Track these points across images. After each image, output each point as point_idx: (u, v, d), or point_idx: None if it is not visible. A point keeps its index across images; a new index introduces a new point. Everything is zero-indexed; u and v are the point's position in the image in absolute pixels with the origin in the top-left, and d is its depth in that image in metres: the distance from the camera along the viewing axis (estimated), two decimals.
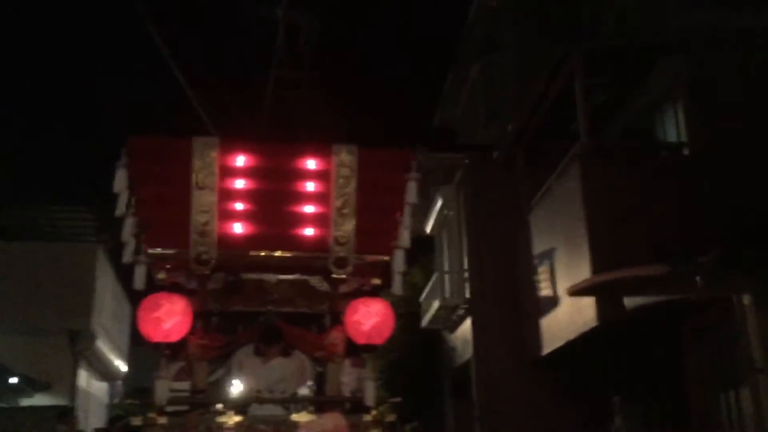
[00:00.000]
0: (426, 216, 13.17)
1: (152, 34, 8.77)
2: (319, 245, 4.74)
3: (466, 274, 11.72)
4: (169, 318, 4.54)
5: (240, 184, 4.69)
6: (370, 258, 4.82)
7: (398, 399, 5.17)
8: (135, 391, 18.18)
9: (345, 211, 4.69)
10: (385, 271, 4.95)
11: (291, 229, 4.74)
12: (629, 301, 7.28)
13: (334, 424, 3.34)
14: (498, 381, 10.79)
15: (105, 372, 17.43)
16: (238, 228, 4.68)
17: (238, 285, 4.96)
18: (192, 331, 4.68)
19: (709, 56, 8.22)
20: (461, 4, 13.09)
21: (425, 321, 13.49)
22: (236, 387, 5.07)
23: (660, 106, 9.39)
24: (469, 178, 11.89)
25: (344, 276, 4.79)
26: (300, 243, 4.75)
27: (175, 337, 4.59)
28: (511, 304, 10.93)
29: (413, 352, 13.86)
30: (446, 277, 12.53)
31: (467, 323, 11.76)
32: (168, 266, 4.75)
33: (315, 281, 5.02)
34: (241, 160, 4.70)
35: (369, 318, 4.75)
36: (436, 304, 12.58)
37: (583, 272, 7.99)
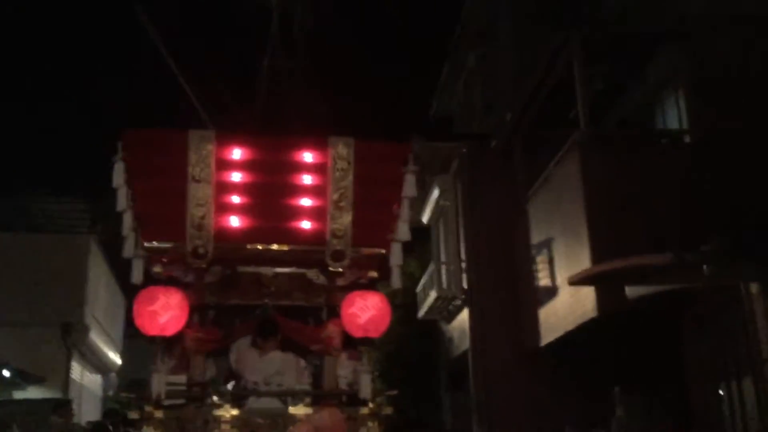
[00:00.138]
0: (422, 206, 13.03)
1: (145, 25, 8.60)
2: (315, 238, 4.74)
3: (464, 265, 11.61)
4: (166, 311, 4.55)
5: (236, 177, 4.69)
6: (367, 251, 4.84)
7: (394, 391, 5.08)
8: (130, 384, 18.06)
9: (342, 204, 4.70)
10: (381, 263, 4.96)
11: (288, 222, 4.75)
12: (629, 291, 7.16)
13: (331, 417, 3.26)
14: (496, 372, 10.72)
15: (99, 364, 17.30)
16: (234, 221, 4.69)
17: (234, 278, 4.98)
18: (188, 325, 4.69)
19: (710, 43, 8.10)
20: None
21: (422, 312, 13.41)
22: (234, 380, 5.07)
23: (660, 94, 9.28)
24: (466, 168, 11.78)
25: (341, 269, 4.80)
26: (297, 236, 4.77)
27: (171, 331, 4.60)
28: (509, 294, 10.85)
29: (409, 343, 13.80)
30: (443, 267, 12.42)
31: (464, 314, 11.67)
32: (164, 260, 4.76)
33: (312, 274, 5.02)
34: (237, 153, 4.70)
35: (365, 311, 4.77)
36: (432, 295, 12.49)
37: (582, 262, 7.90)
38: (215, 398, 4.73)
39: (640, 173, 8.05)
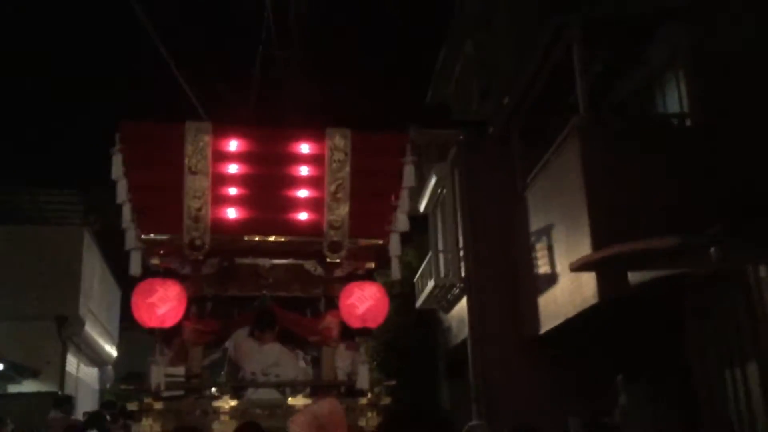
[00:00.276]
0: (419, 194, 12.89)
1: (140, 17, 8.46)
2: (313, 229, 4.77)
3: (462, 253, 11.47)
4: (164, 303, 4.56)
5: (233, 168, 4.71)
6: (365, 242, 4.87)
7: (393, 382, 5.23)
8: (127, 377, 17.98)
9: (339, 195, 4.72)
10: (379, 254, 5.01)
11: (285, 213, 4.78)
12: (631, 277, 7.03)
13: (330, 407, 3.17)
14: (495, 361, 10.64)
15: (95, 357, 17.21)
16: (231, 213, 4.71)
17: (232, 270, 5.01)
18: (186, 317, 4.71)
19: (712, 23, 7.93)
20: None
21: (420, 301, 13.31)
22: (232, 370, 5.12)
23: (660, 77, 9.12)
24: (464, 155, 11.65)
25: (338, 260, 4.83)
26: (294, 227, 4.79)
27: (169, 323, 4.62)
28: (508, 282, 10.76)
29: (407, 332, 13.68)
30: (441, 256, 12.29)
31: (463, 303, 11.58)
32: (162, 252, 4.79)
33: (309, 265, 5.05)
34: (234, 145, 4.72)
35: (363, 301, 4.80)
36: (430, 284, 12.37)
37: (582, 248, 7.78)
38: (213, 390, 4.77)
39: (640, 158, 7.93)
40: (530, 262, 10.12)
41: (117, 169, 4.57)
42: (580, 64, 8.43)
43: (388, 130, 5.28)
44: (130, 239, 4.67)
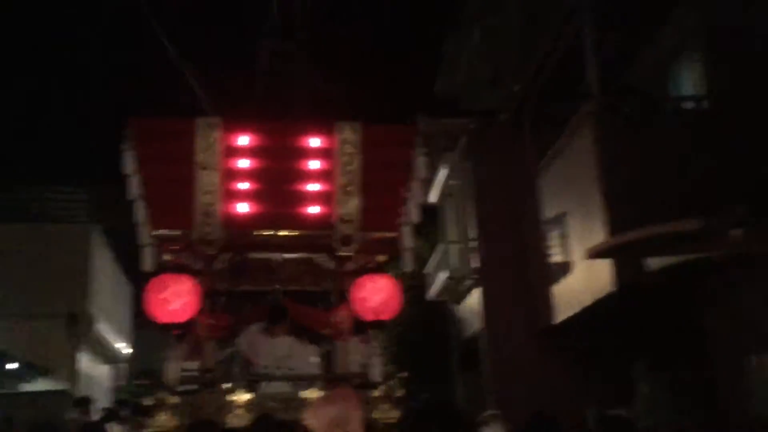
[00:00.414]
0: (429, 185, 12.77)
1: (145, 12, 8.43)
2: (324, 223, 4.79)
3: (473, 244, 11.34)
4: (177, 299, 4.59)
5: (243, 163, 4.74)
6: (376, 235, 4.88)
7: (405, 374, 5.05)
8: (142, 374, 18.00)
9: (349, 188, 4.73)
10: (390, 247, 5.03)
11: (295, 207, 4.80)
12: (649, 264, 6.90)
13: (345, 398, 3.12)
14: (509, 352, 10.56)
15: (107, 355, 17.27)
16: (242, 207, 4.75)
17: (244, 264, 5.05)
18: (200, 312, 4.74)
19: (725, 2, 7.75)
20: None
21: (431, 293, 13.20)
22: (244, 365, 5.17)
23: (674, 59, 8.95)
24: (474, 144, 11.56)
25: (350, 254, 4.85)
26: (305, 221, 4.82)
27: (182, 318, 4.64)
28: (521, 272, 10.67)
29: (419, 325, 13.61)
30: (452, 247, 12.17)
31: (475, 294, 11.49)
32: (174, 247, 4.83)
33: (321, 259, 5.08)
34: (244, 140, 4.75)
35: (376, 294, 4.80)
36: (442, 276, 12.28)
37: (598, 235, 7.68)
38: (227, 384, 4.75)
39: (655, 142, 7.80)
40: (543, 251, 10.03)
41: (128, 165, 4.60)
42: (592, 47, 8.29)
43: (396, 121, 5.35)
44: (143, 235, 4.72)
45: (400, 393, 4.78)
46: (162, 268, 4.80)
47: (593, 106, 8.09)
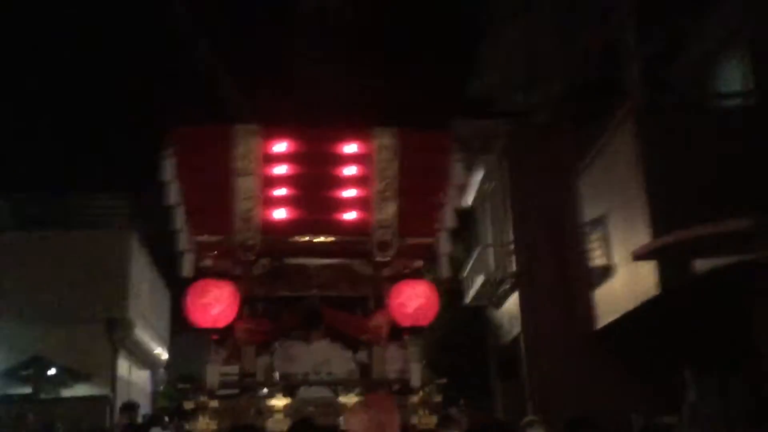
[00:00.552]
0: (465, 188, 12.64)
1: (181, 19, 8.55)
2: (361, 229, 4.84)
3: (511, 247, 11.20)
4: (217, 304, 4.69)
5: (282, 169, 4.81)
6: (413, 240, 4.92)
7: (443, 380, 5.11)
8: (179, 379, 18.16)
9: (387, 194, 4.76)
10: (427, 253, 5.06)
11: (333, 213, 4.87)
12: (696, 265, 6.70)
13: (382, 405, 3.07)
14: (549, 357, 10.40)
15: (146, 360, 17.47)
16: (281, 213, 4.82)
17: (282, 270, 5.10)
18: (239, 317, 4.83)
19: None
20: None
21: (468, 297, 13.12)
22: (283, 370, 5.20)
23: (719, 54, 8.72)
24: (511, 146, 11.44)
25: (387, 259, 4.88)
26: (342, 227, 4.89)
27: (223, 323, 4.74)
28: (561, 275, 10.52)
29: (456, 330, 13.47)
30: (490, 250, 12.03)
31: (514, 298, 11.35)
32: (213, 253, 4.91)
33: (358, 265, 5.12)
34: (282, 146, 4.82)
35: (414, 300, 4.85)
36: (480, 280, 12.15)
37: (640, 237, 7.52)
38: (265, 390, 4.86)
39: (699, 140, 7.61)
40: (584, 254, 9.86)
41: (168, 173, 4.70)
42: (634, 43, 8.13)
43: (432, 125, 5.40)
44: (182, 241, 4.80)
45: (437, 399, 4.82)
46: (201, 274, 4.88)
47: (635, 104, 7.93)
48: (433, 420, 4.78)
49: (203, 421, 4.58)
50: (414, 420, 4.63)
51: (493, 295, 12.49)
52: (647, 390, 8.62)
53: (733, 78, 8.67)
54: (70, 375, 13.12)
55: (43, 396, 12.68)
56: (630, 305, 8.21)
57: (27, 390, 12.74)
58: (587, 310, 9.78)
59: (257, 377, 4.96)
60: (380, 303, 5.00)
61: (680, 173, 7.44)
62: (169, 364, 19.78)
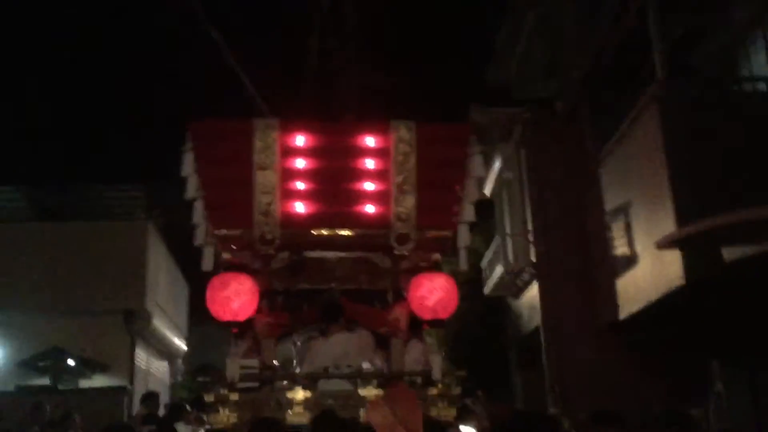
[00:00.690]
0: (483, 178, 12.50)
1: (199, 14, 8.55)
2: (380, 222, 4.88)
3: (531, 236, 11.07)
4: (238, 297, 4.74)
5: (301, 163, 4.86)
6: (432, 233, 4.95)
7: (463, 373, 5.23)
8: (197, 370, 18.23)
9: (405, 187, 4.80)
10: (446, 245, 5.09)
11: (352, 206, 4.91)
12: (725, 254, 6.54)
13: (405, 397, 3.00)
14: (570, 348, 10.32)
15: (164, 351, 17.57)
16: (300, 207, 4.86)
17: (301, 263, 5.15)
18: (259, 310, 4.89)
19: None
20: None
21: (488, 288, 13.03)
22: (303, 363, 5.27)
23: (744, 39, 8.52)
24: (530, 134, 11.32)
25: (406, 252, 4.92)
26: (361, 220, 4.92)
27: (243, 316, 4.79)
28: (582, 265, 10.41)
29: (476, 321, 13.39)
30: (509, 240, 11.91)
31: (534, 288, 11.25)
32: (233, 247, 4.97)
33: (377, 258, 5.15)
34: (301, 140, 4.86)
35: (433, 293, 4.88)
36: (499, 270, 12.05)
37: (664, 225, 7.38)
38: (285, 382, 4.91)
39: (725, 125, 7.44)
40: (606, 243, 9.76)
41: (187, 167, 4.76)
42: (657, 26, 7.94)
43: (450, 117, 5.41)
44: (201, 235, 4.85)
45: (456, 391, 4.88)
46: (221, 268, 4.95)
47: (659, 89, 7.76)
48: (452, 412, 4.81)
49: (224, 414, 4.64)
50: (433, 412, 4.63)
51: (512, 285, 12.38)
52: (672, 383, 8.47)
53: (759, 63, 8.47)
54: (88, 366, 13.21)
55: (61, 387, 12.77)
56: (653, 296, 8.07)
57: (45, 381, 12.86)
58: (609, 300, 9.65)
59: (277, 370, 5.01)
60: (399, 296, 5.05)
61: (706, 160, 7.29)
62: (187, 355, 19.87)
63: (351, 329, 5.22)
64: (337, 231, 4.91)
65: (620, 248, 9.30)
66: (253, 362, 4.89)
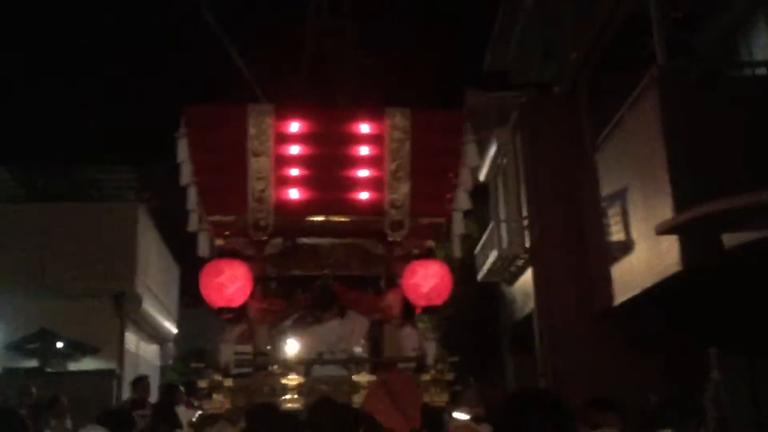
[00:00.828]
0: (478, 169, 12.39)
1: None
2: (374, 209, 4.90)
3: (526, 222, 10.99)
4: (232, 283, 4.74)
5: (295, 150, 4.88)
6: (426, 220, 4.99)
7: (456, 358, 5.12)
8: (188, 354, 18.15)
9: (399, 174, 4.82)
10: (440, 232, 5.13)
11: (346, 193, 4.93)
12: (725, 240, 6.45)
13: (403, 383, 2.98)
14: (563, 335, 10.30)
15: (154, 334, 17.50)
16: (294, 193, 4.88)
17: (294, 250, 5.18)
18: (252, 296, 4.91)
19: None
20: None
21: (481, 274, 12.96)
22: (296, 348, 5.31)
23: (745, 22, 8.39)
24: (526, 119, 11.18)
25: (399, 239, 4.94)
26: (355, 207, 4.94)
27: (237, 302, 4.81)
28: (577, 251, 10.36)
29: (469, 306, 13.33)
30: (503, 226, 11.83)
31: (527, 274, 11.23)
32: (227, 233, 4.98)
33: (370, 245, 5.18)
34: (295, 126, 4.87)
35: (428, 280, 4.89)
36: (493, 256, 11.96)
37: (663, 211, 7.30)
38: (280, 366, 4.95)
39: (725, 110, 7.33)
40: (601, 229, 9.69)
41: (182, 152, 4.75)
42: (658, 7, 7.80)
43: (446, 104, 5.35)
44: (195, 221, 4.88)
45: (449, 377, 4.90)
46: (215, 254, 4.95)
47: (658, 71, 7.63)
48: (444, 397, 4.83)
49: (217, 400, 4.65)
50: (426, 398, 4.62)
51: (506, 271, 12.33)
52: (668, 370, 8.42)
53: (760, 45, 8.37)
54: (77, 348, 13.12)
55: (49, 370, 12.67)
56: (649, 282, 8.00)
57: (34, 363, 12.77)
58: (604, 286, 9.60)
59: (270, 356, 5.06)
60: (392, 282, 5.07)
61: (705, 143, 7.19)
62: (177, 339, 19.78)
63: (344, 315, 5.23)
64: (330, 217, 4.93)
65: (616, 234, 9.23)
66: (246, 348, 4.92)
